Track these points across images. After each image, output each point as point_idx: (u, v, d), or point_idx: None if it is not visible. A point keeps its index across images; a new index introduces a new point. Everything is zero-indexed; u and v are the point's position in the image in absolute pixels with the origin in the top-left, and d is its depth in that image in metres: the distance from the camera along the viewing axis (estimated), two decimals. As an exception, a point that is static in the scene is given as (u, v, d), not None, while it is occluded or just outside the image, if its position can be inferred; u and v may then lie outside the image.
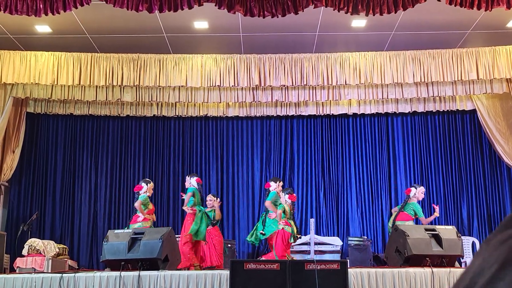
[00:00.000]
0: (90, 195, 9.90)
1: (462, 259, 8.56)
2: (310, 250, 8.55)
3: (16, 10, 6.45)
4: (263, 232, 6.99)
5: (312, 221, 8.70)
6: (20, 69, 8.59)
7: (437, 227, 6.06)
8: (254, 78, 8.79)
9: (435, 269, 5.34)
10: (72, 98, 9.22)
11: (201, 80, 8.77)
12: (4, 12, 6.50)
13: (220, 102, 9.60)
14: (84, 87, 9.11)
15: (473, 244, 9.32)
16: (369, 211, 9.90)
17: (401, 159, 10.11)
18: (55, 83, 8.68)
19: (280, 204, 7.04)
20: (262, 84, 8.86)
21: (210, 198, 7.97)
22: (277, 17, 6.48)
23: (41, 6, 6.42)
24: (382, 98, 9.45)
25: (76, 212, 9.81)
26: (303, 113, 9.98)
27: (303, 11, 6.47)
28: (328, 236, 9.57)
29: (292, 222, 7.02)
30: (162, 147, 10.19)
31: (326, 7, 6.52)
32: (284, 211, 6.98)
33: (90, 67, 8.71)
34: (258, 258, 7.63)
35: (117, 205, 9.86)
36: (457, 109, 9.90)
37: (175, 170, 10.09)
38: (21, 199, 9.77)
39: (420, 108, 9.90)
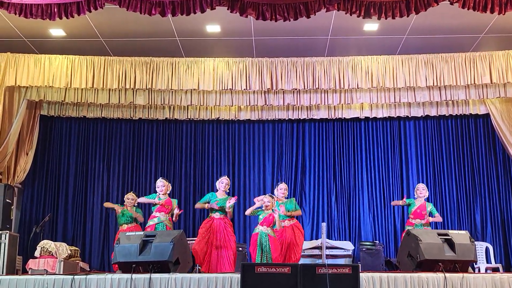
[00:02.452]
0: (102, 197, 9.95)
1: (475, 264, 8.49)
2: (321, 254, 8.52)
3: (30, 14, 6.53)
4: None
5: (323, 225, 8.67)
6: (34, 72, 8.67)
7: (450, 231, 6.00)
8: (266, 82, 8.80)
9: (447, 274, 5.29)
10: (85, 101, 9.30)
11: (213, 83, 8.80)
12: (19, 16, 6.58)
13: (232, 106, 9.63)
14: (97, 90, 9.18)
15: (487, 249, 9.23)
16: (381, 216, 9.84)
17: (413, 163, 10.05)
18: (69, 86, 8.76)
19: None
20: (274, 88, 8.87)
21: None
22: (289, 20, 6.48)
23: (55, 10, 6.48)
24: (395, 102, 9.41)
25: (88, 214, 9.87)
26: (315, 117, 9.97)
27: (315, 14, 6.47)
28: (340, 240, 9.52)
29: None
30: (174, 150, 10.23)
31: (338, 10, 6.52)
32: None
33: (103, 70, 8.78)
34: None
35: (129, 208, 9.88)
36: (470, 113, 9.82)
37: (187, 173, 10.11)
38: (34, 201, 9.85)
39: (433, 112, 9.84)
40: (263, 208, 7.33)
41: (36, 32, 8.46)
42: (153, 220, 7.29)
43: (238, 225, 9.81)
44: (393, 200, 9.74)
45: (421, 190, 7.96)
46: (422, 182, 9.90)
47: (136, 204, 8.03)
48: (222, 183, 7.46)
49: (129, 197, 8.03)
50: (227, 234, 7.26)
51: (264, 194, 9.83)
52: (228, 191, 7.54)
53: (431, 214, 7.90)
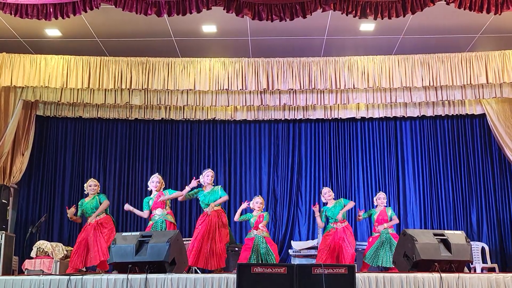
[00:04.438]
0: (98, 197, 9.91)
1: (471, 264, 8.51)
2: (317, 255, 8.51)
3: (26, 14, 6.51)
4: None
5: (319, 225, 8.66)
6: (30, 73, 8.66)
7: (446, 232, 6.00)
8: (262, 82, 8.80)
9: (443, 275, 5.30)
10: (81, 101, 9.28)
11: (209, 83, 8.80)
12: (14, 16, 6.56)
13: (228, 106, 9.62)
14: (93, 90, 9.17)
15: (483, 249, 9.25)
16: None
17: (409, 164, 10.06)
18: (65, 86, 8.75)
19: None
20: (270, 88, 8.87)
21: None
22: (285, 20, 6.48)
23: (51, 10, 6.47)
24: (391, 102, 9.42)
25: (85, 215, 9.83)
26: (311, 117, 9.97)
27: (311, 15, 6.47)
28: (336, 240, 9.51)
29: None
30: (170, 150, 10.22)
31: (334, 11, 6.52)
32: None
33: (99, 70, 8.77)
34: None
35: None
36: (466, 113, 9.84)
37: (183, 173, 10.10)
38: (30, 201, 9.83)
39: (429, 112, 9.85)
40: (253, 211, 7.50)
41: (32, 32, 8.44)
42: (153, 218, 7.23)
43: (234, 225, 9.79)
44: (389, 200, 9.76)
45: (383, 200, 8.20)
46: (418, 183, 9.94)
47: (99, 191, 7.66)
48: (208, 176, 7.37)
49: (91, 183, 7.56)
50: (219, 227, 7.16)
51: (260, 194, 9.90)
52: (213, 183, 7.41)
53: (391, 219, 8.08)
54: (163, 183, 7.48)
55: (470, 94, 9.12)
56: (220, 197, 7.26)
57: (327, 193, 7.87)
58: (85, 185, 7.63)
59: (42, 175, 9.97)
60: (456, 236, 5.96)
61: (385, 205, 8.18)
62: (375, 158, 10.11)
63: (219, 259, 7.07)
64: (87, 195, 7.60)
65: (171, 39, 8.68)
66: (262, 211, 7.62)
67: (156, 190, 7.34)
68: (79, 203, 7.64)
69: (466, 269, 6.39)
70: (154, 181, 7.36)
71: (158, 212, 7.17)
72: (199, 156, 10.19)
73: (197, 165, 10.14)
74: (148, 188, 7.47)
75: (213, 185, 7.40)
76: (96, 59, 8.82)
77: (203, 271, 8.80)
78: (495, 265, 9.09)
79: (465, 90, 9.12)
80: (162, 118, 10.04)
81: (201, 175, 7.41)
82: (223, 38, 8.65)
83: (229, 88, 8.84)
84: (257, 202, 7.64)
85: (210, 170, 7.51)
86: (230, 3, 6.35)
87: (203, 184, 7.38)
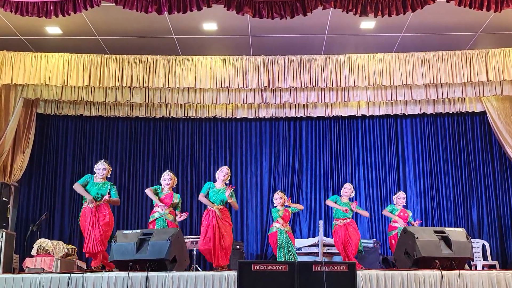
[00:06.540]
0: (99, 195, 9.91)
1: (472, 261, 8.52)
2: (318, 252, 8.53)
3: (26, 12, 6.51)
4: None
5: (320, 223, 8.68)
6: (30, 70, 8.65)
7: (447, 229, 6.01)
8: (263, 80, 8.80)
9: (444, 272, 5.30)
10: (82, 99, 9.28)
11: (210, 81, 8.80)
12: (15, 14, 6.56)
13: (229, 104, 9.62)
14: (94, 88, 9.17)
15: (483, 246, 9.26)
16: (378, 213, 9.86)
17: (410, 161, 10.07)
18: (65, 84, 8.75)
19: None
20: (271, 86, 8.87)
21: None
22: (286, 18, 6.48)
23: (51, 7, 6.47)
24: (391, 100, 9.42)
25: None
26: (312, 115, 9.98)
27: (311, 12, 6.47)
28: (337, 238, 9.51)
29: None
30: (171, 148, 10.22)
31: (334, 8, 6.52)
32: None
33: (99, 68, 8.76)
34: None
35: (125, 206, 9.89)
36: (467, 111, 9.86)
37: (184, 171, 10.11)
38: (30, 199, 9.84)
39: (430, 110, 9.86)
40: (276, 205, 7.53)
41: (33, 30, 8.43)
42: (153, 215, 7.08)
43: (235, 223, 9.80)
44: (389, 198, 9.76)
45: (402, 200, 8.27)
46: (419, 180, 9.94)
47: (109, 176, 7.09)
48: (222, 172, 7.24)
49: (100, 167, 6.94)
50: (225, 224, 7.08)
51: (261, 192, 9.91)
52: (227, 182, 7.30)
53: (409, 224, 8.09)
54: (175, 179, 7.33)
55: (471, 91, 9.12)
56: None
57: (349, 190, 8.03)
58: (95, 165, 7.01)
59: (43, 173, 9.97)
60: (456, 233, 5.97)
61: (404, 205, 8.28)
62: (376, 156, 10.12)
63: (227, 255, 7.04)
64: (93, 174, 7.00)
65: (172, 37, 8.67)
66: (284, 206, 7.66)
67: (169, 188, 7.24)
68: (86, 175, 7.00)
69: (466, 266, 6.39)
70: (167, 179, 7.21)
71: (160, 209, 7.08)
72: (200, 153, 10.20)
73: (197, 163, 10.15)
74: (160, 186, 7.25)
75: (225, 184, 7.29)
76: (97, 57, 8.82)
77: (204, 268, 8.83)
78: (496, 262, 9.10)
79: (465, 88, 9.12)
80: (163, 116, 10.04)
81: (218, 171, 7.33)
82: (224, 36, 8.65)
83: (230, 86, 8.84)
84: (276, 199, 7.68)
85: (226, 167, 7.36)
86: (230, 1, 6.34)
87: (216, 179, 7.29)
